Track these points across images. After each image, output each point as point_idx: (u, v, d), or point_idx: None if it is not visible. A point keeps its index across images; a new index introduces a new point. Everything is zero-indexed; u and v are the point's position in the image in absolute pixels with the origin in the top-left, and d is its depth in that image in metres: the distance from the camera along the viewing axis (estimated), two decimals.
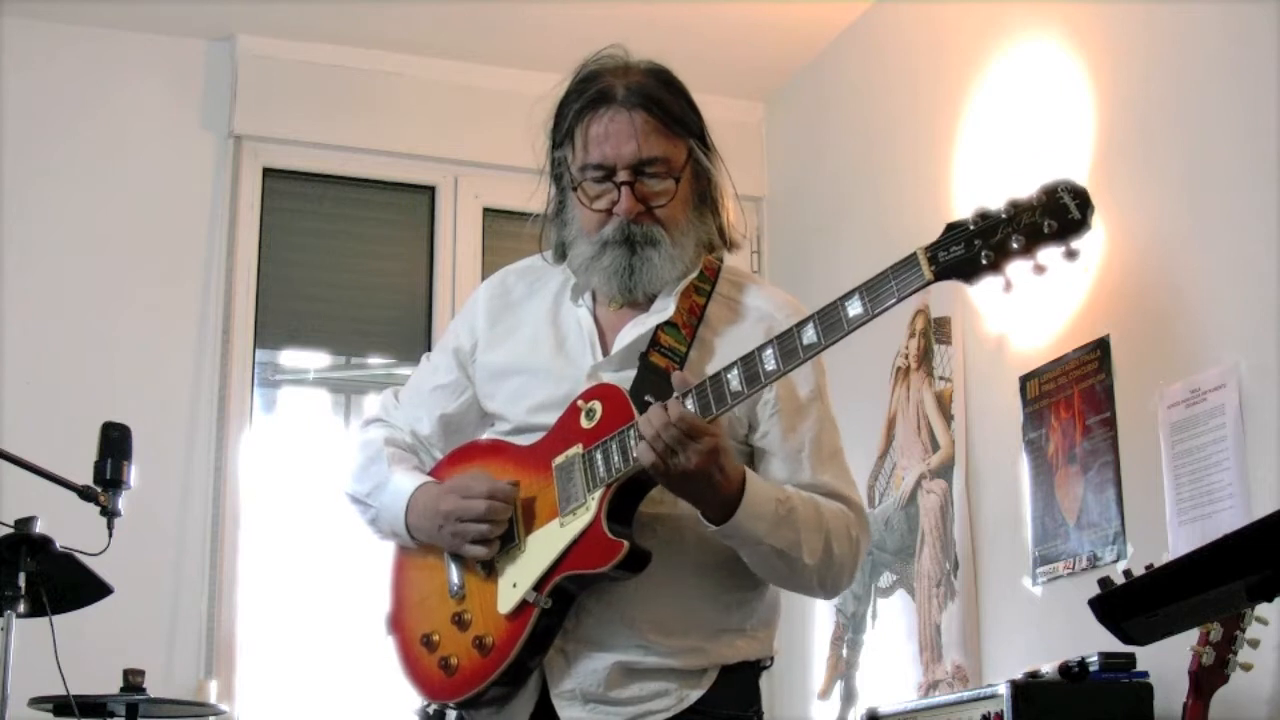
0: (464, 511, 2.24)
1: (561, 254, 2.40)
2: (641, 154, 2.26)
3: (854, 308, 2.00)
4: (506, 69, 5.12)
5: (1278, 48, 3.24)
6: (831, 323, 2.02)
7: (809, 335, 2.03)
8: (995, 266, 1.91)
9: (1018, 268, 1.91)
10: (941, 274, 1.94)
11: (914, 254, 1.96)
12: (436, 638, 2.30)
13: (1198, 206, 3.44)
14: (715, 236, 2.37)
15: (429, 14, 4.93)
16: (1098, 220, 3.90)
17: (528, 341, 2.38)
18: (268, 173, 5.03)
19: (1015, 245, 1.90)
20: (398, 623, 2.38)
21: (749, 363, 2.07)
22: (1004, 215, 1.91)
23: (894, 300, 1.97)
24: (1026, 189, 1.92)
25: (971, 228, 1.92)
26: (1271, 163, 3.21)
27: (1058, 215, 1.88)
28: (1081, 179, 3.83)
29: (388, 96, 5.11)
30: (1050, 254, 1.90)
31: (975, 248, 1.91)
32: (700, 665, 2.23)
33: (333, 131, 5.05)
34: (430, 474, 2.40)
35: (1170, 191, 3.52)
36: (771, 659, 2.33)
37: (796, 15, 4.93)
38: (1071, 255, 1.89)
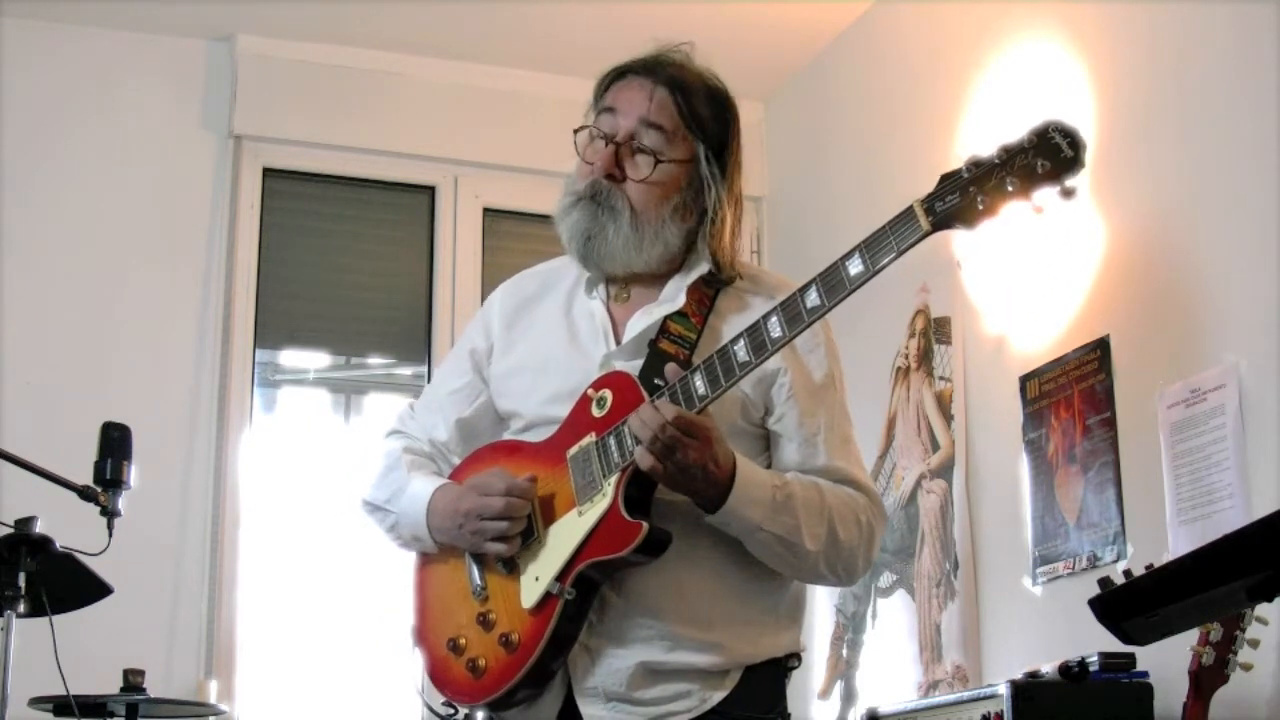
0: (483, 509, 2.24)
1: None
2: (648, 116, 2.29)
3: (854, 266, 2.01)
4: (506, 69, 5.12)
5: (1278, 49, 3.23)
6: (834, 283, 2.02)
7: (812, 298, 2.04)
8: (991, 210, 1.91)
9: (1014, 209, 1.91)
10: (939, 223, 1.94)
11: (910, 207, 1.97)
12: (463, 641, 2.30)
13: (1198, 206, 3.44)
14: (682, 245, 2.32)
15: (429, 14, 4.93)
16: (1098, 220, 3.91)
17: (541, 336, 2.40)
18: (268, 173, 5.03)
19: (1010, 187, 1.90)
20: (423, 634, 2.38)
21: (755, 332, 2.08)
22: (996, 160, 1.91)
23: (893, 255, 1.98)
24: (1016, 133, 1.92)
25: (965, 175, 1.93)
26: (1272, 163, 3.21)
27: (1050, 155, 1.88)
28: (1082, 179, 3.83)
29: (388, 96, 5.11)
30: (1046, 194, 1.89)
31: (970, 194, 1.92)
32: (724, 666, 2.22)
33: (333, 131, 5.05)
34: (449, 478, 2.40)
35: (1170, 191, 3.52)
36: (799, 658, 2.32)
37: (796, 15, 4.92)
38: (1067, 194, 1.88)
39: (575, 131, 2.37)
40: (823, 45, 5.08)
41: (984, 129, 4.21)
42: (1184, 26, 3.52)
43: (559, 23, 4.88)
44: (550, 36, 4.93)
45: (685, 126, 2.31)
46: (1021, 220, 1.92)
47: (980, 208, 1.91)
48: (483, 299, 4.97)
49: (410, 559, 2.45)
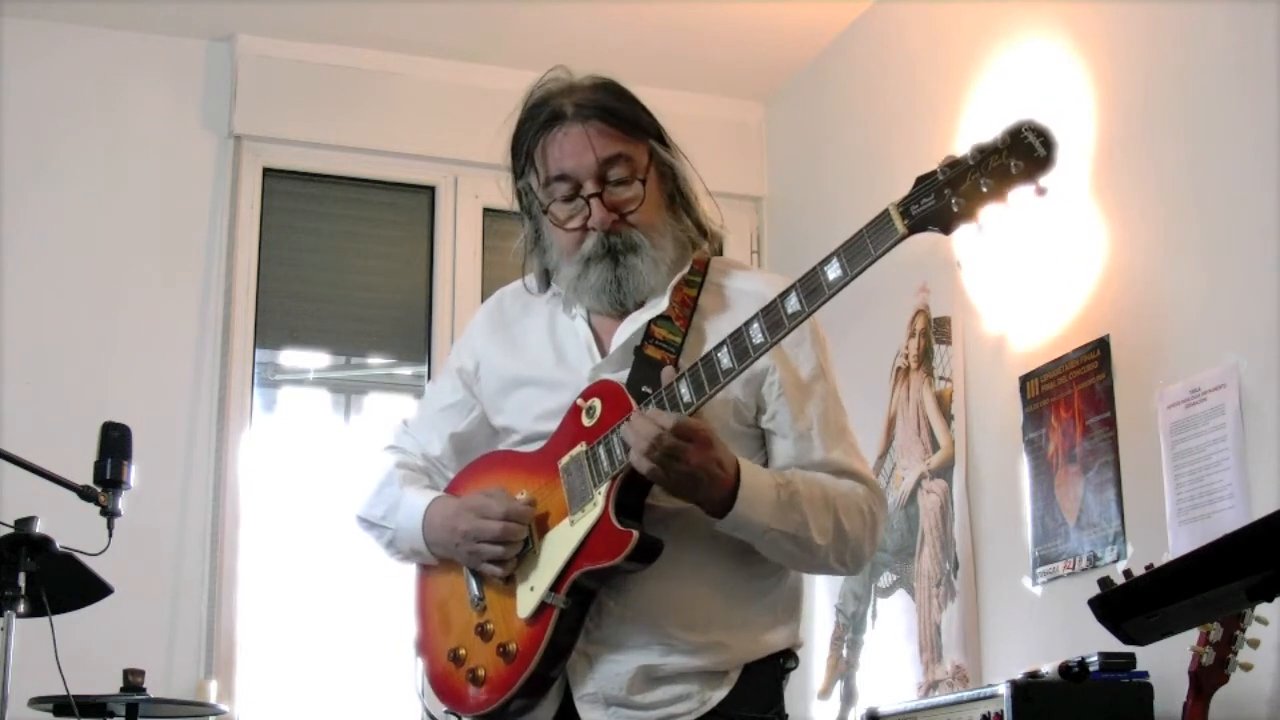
0: (480, 532, 2.25)
1: (546, 282, 2.43)
2: (601, 157, 2.28)
3: (833, 271, 2.01)
4: (506, 69, 5.10)
5: (1278, 48, 3.23)
6: (813, 288, 2.03)
7: (792, 304, 2.05)
8: (967, 213, 1.91)
9: (989, 211, 1.91)
10: (915, 226, 1.94)
11: (886, 210, 1.97)
12: (463, 652, 2.31)
13: (1198, 207, 3.44)
14: (693, 233, 2.38)
15: (429, 14, 4.93)
16: (1098, 220, 3.91)
17: (529, 355, 2.41)
18: (268, 173, 5.04)
19: (985, 189, 1.90)
20: (425, 644, 2.39)
21: (737, 339, 2.09)
22: (971, 161, 1.92)
23: (871, 259, 1.98)
24: (990, 133, 1.92)
25: (940, 177, 1.93)
26: (1272, 163, 3.21)
27: (1024, 155, 1.88)
28: (1082, 179, 3.83)
29: (388, 96, 5.11)
30: (1020, 193, 1.90)
31: (945, 196, 1.92)
32: (723, 665, 2.22)
33: (333, 131, 5.05)
34: (447, 489, 2.41)
35: (1170, 192, 3.52)
36: (796, 659, 2.32)
37: (796, 15, 4.92)
38: (1041, 192, 1.89)
39: (544, 213, 2.34)
40: (823, 45, 5.08)
41: (984, 129, 4.19)
42: (1184, 26, 3.52)
43: (558, 23, 4.88)
44: (549, 36, 4.93)
45: (632, 137, 2.31)
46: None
47: (955, 210, 1.91)
48: (483, 299, 5.01)
49: (411, 568, 2.46)
